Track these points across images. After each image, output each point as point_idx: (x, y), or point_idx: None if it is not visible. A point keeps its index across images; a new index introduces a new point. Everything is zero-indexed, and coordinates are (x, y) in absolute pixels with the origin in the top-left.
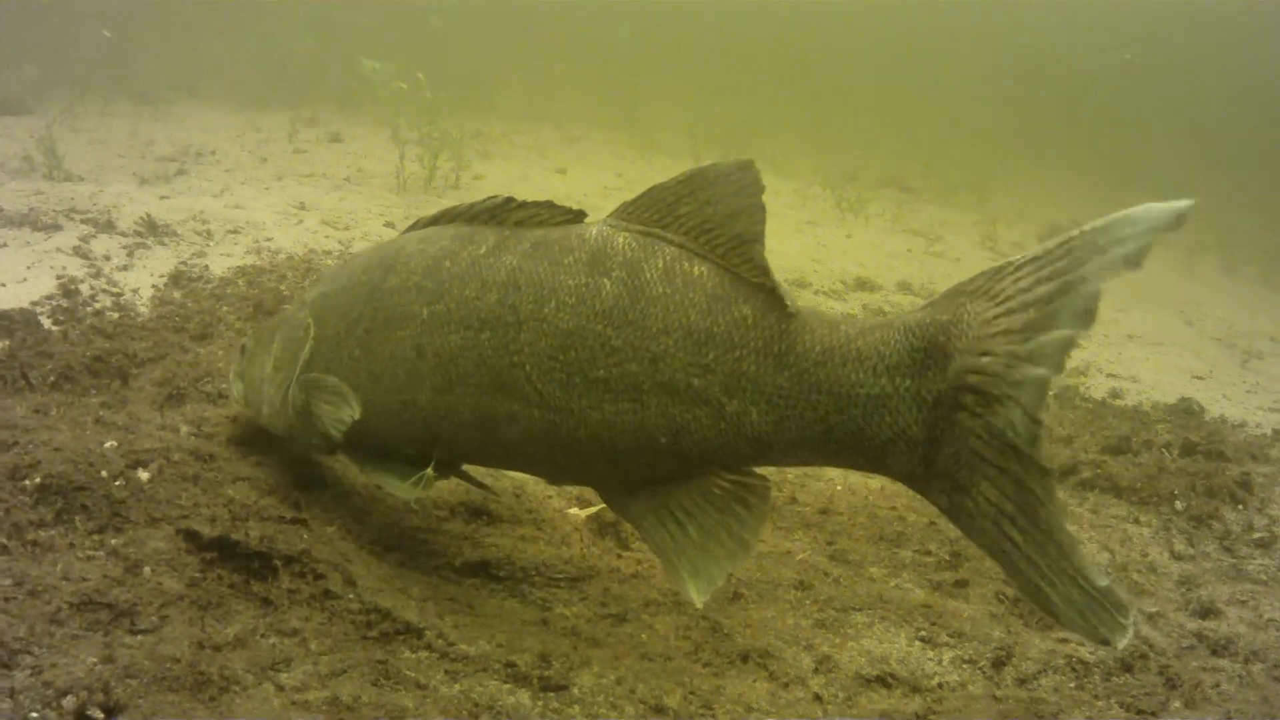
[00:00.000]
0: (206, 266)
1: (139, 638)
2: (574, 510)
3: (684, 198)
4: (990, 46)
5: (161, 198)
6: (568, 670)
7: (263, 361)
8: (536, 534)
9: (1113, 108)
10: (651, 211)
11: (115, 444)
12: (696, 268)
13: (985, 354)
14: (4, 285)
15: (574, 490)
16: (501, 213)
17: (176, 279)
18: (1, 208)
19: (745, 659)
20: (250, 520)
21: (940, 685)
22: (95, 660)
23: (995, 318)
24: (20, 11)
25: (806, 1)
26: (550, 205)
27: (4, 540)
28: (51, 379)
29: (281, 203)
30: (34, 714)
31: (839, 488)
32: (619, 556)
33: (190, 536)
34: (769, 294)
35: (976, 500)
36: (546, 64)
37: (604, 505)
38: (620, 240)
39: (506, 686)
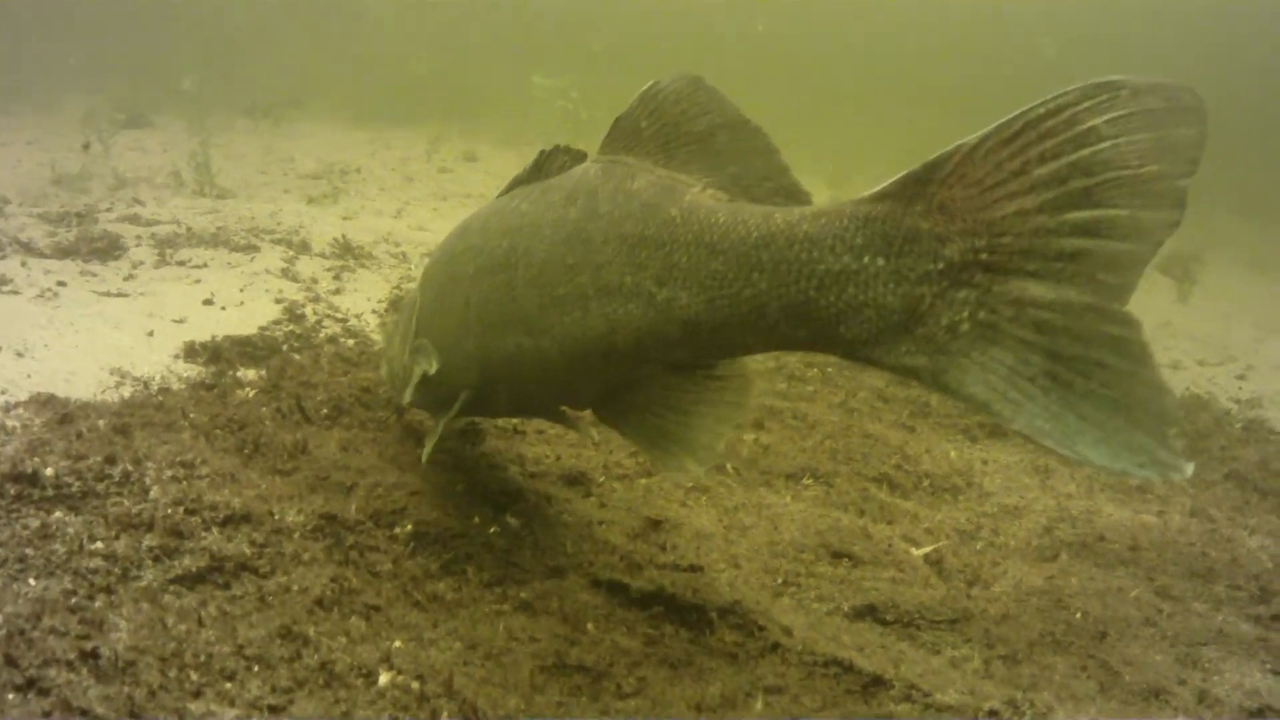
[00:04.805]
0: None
1: (630, 702)
2: (913, 550)
3: (642, 119)
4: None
5: (344, 218)
6: (1039, 716)
7: (393, 339)
8: (900, 575)
9: None
10: (620, 140)
11: (465, 487)
12: (636, 182)
13: (1000, 235)
14: (224, 309)
15: (904, 529)
16: (540, 166)
17: (396, 304)
18: (190, 227)
19: (1156, 694)
20: (648, 568)
21: None
22: None
23: (998, 200)
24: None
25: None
26: (566, 150)
27: (417, 596)
28: (325, 411)
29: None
30: None
31: (1128, 525)
32: (969, 597)
33: (616, 589)
34: (696, 195)
35: (982, 362)
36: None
37: (940, 543)
38: (593, 171)
39: None
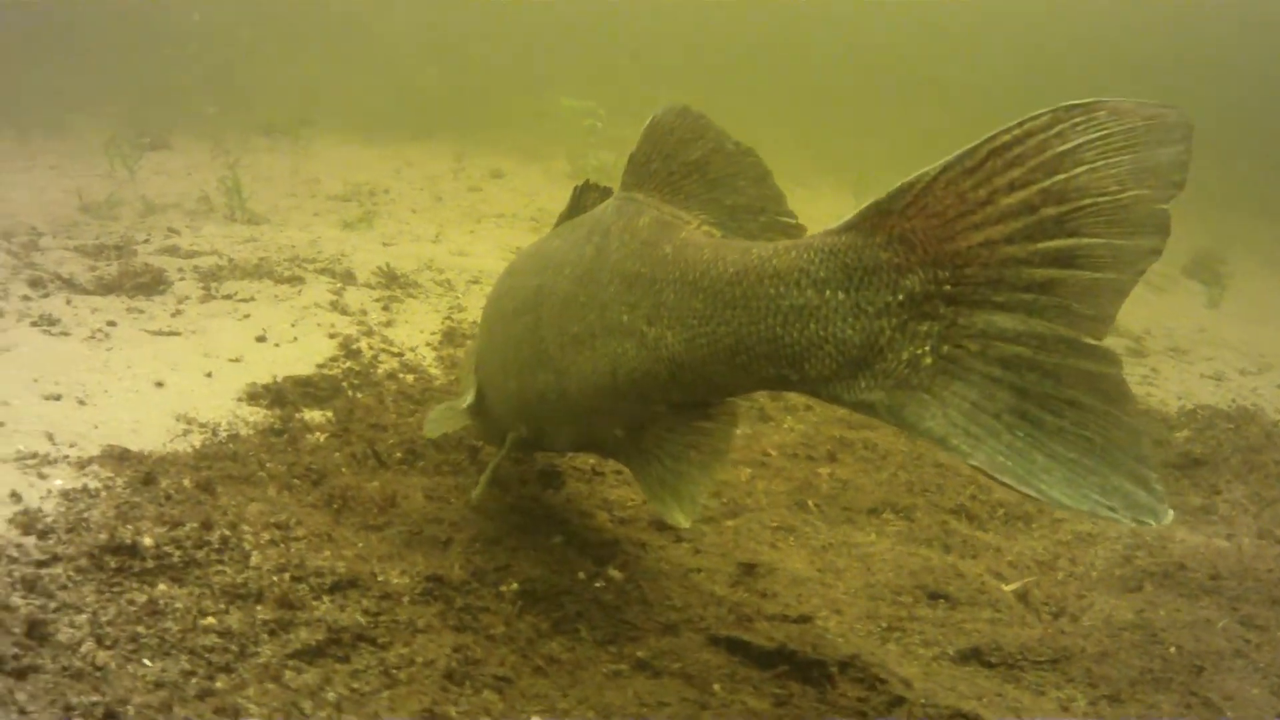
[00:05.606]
0: (475, 322)
1: None
2: (1004, 587)
3: (651, 156)
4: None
5: (384, 245)
6: None
7: (463, 378)
8: (998, 615)
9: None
10: (632, 176)
11: (563, 539)
12: (641, 219)
13: (965, 265)
14: (278, 345)
15: (990, 563)
16: (577, 202)
17: (450, 335)
18: (231, 258)
19: None
20: (759, 620)
21: None
22: None
23: (963, 231)
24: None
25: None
26: (595, 186)
27: (538, 661)
28: (398, 455)
29: (498, 248)
30: None
31: (1205, 551)
32: (1062, 633)
33: (735, 646)
34: (690, 232)
35: (943, 397)
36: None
37: (1027, 579)
38: (609, 209)
39: None
